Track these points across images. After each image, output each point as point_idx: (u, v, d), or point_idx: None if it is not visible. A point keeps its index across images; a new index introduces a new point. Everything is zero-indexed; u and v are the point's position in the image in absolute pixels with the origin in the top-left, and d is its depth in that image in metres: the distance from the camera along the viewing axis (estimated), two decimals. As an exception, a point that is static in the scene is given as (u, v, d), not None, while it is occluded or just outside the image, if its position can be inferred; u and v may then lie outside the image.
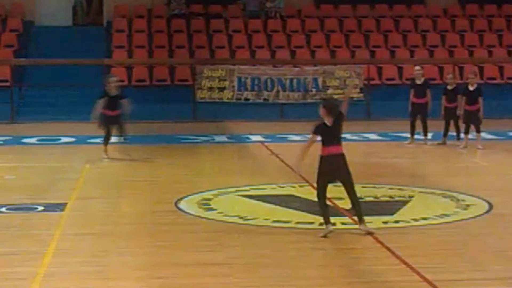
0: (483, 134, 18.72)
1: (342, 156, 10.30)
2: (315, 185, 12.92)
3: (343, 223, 10.88)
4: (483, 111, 18.35)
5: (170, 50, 27.85)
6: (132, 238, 10.20)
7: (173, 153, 17.51)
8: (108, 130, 16.74)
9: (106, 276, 8.55)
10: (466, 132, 18.48)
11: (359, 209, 10.41)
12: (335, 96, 25.96)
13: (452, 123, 18.96)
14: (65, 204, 12.14)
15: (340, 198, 12.36)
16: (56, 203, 12.21)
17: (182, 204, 12.18)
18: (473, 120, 18.35)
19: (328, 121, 10.27)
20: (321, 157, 10.26)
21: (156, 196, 12.95)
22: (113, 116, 16.72)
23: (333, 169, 10.27)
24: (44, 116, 24.30)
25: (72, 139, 20.34)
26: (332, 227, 10.27)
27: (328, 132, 10.27)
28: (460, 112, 18.55)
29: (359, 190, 13.09)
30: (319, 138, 10.31)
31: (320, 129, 10.31)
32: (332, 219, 10.93)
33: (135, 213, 11.68)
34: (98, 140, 20.21)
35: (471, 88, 18.54)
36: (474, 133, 18.43)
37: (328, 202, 10.47)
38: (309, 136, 10.36)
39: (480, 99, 18.36)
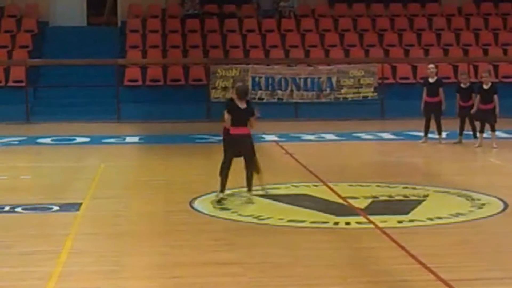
0: (498, 133, 18.65)
1: (249, 136, 12.18)
2: (329, 184, 12.96)
3: (357, 223, 10.86)
4: (499, 110, 18.29)
5: (184, 50, 27.88)
6: (147, 237, 10.21)
7: (187, 152, 17.52)
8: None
9: (121, 276, 8.56)
10: (481, 131, 18.42)
11: (251, 178, 12.23)
12: (350, 96, 26.00)
13: (467, 121, 18.88)
14: (80, 204, 12.17)
15: (355, 197, 12.36)
16: (71, 203, 12.23)
17: (197, 204, 12.19)
18: (488, 119, 18.29)
19: (240, 104, 12.07)
20: (231, 135, 12.11)
21: (170, 196, 12.95)
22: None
23: (239, 147, 12.12)
24: (58, 117, 24.37)
25: (87, 139, 20.38)
26: (221, 195, 12.06)
27: (239, 113, 12.03)
28: (473, 110, 18.48)
29: (374, 189, 13.15)
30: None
31: (232, 109, 12.05)
32: (347, 219, 10.96)
33: (149, 213, 11.70)
34: (113, 140, 20.31)
35: (485, 86, 18.48)
36: (489, 132, 18.36)
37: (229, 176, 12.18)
38: (226, 116, 12.12)
39: (495, 98, 18.30)
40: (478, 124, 18.55)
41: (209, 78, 25.81)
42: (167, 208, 12.02)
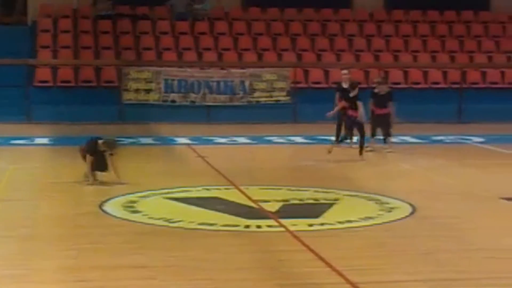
0: (408, 138, 18.98)
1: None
2: (240, 187, 13.01)
3: (268, 226, 10.89)
4: (394, 115, 18.72)
5: (96, 51, 27.59)
6: (55, 241, 10.05)
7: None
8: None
9: (27, 280, 8.39)
10: (373, 135, 18.82)
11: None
12: (262, 99, 26.12)
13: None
14: (-13, 206, 11.92)
15: (266, 201, 12.40)
16: (-23, 205, 11.97)
17: (107, 207, 12.06)
18: (382, 124, 18.70)
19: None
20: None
21: (80, 199, 12.78)
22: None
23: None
24: (-35, 117, 23.83)
25: (-5, 140, 19.99)
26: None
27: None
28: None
29: (285, 193, 13.21)
30: None
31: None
32: (258, 222, 10.99)
33: (58, 216, 11.52)
34: (22, 142, 19.95)
35: (382, 92, 18.94)
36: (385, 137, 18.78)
37: None
38: None
39: (391, 103, 18.73)
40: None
41: (121, 80, 25.62)
42: (77, 211, 11.85)
